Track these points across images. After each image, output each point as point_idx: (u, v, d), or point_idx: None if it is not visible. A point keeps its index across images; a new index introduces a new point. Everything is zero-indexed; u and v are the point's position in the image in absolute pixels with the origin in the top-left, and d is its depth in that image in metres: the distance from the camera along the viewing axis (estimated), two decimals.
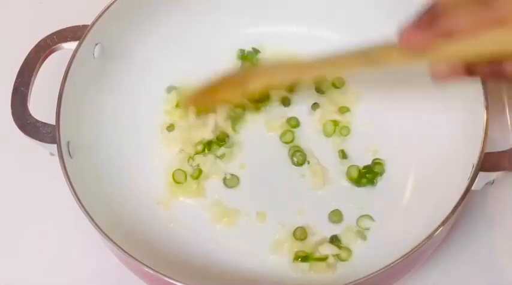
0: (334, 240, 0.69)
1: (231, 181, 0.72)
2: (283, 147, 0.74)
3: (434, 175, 0.69)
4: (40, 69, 0.68)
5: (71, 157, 0.65)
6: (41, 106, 0.68)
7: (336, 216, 0.70)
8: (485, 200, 0.72)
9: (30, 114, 0.66)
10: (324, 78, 0.76)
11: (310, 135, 0.74)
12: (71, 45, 0.69)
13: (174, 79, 0.77)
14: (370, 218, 0.69)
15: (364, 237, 0.69)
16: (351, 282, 0.57)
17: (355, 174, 0.72)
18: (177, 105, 0.76)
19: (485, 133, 0.62)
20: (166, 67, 0.78)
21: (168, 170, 0.73)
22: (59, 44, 0.69)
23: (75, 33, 0.69)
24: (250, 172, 0.73)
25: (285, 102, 0.76)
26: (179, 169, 0.72)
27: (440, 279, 0.69)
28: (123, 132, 0.74)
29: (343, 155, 0.73)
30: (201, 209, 0.71)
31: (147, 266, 0.58)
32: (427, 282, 0.69)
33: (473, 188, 0.61)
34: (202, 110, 0.73)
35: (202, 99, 0.73)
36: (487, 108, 0.63)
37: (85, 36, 0.68)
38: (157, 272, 0.58)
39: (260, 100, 0.75)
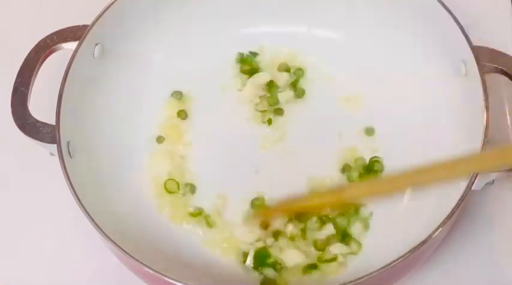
0: (344, 235, 0.69)
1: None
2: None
3: None
4: (40, 69, 0.68)
5: (71, 157, 0.65)
6: (41, 106, 0.68)
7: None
8: (485, 200, 0.72)
9: (30, 114, 0.66)
10: None
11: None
12: (71, 45, 0.69)
13: (174, 80, 0.77)
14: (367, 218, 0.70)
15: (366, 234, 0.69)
16: (350, 282, 0.57)
17: (355, 176, 0.72)
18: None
19: (485, 133, 0.62)
20: (166, 68, 0.78)
21: (168, 170, 0.73)
22: (59, 44, 0.69)
23: (75, 33, 0.69)
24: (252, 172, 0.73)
25: None
26: (171, 179, 0.72)
27: (440, 279, 0.69)
28: (123, 132, 0.74)
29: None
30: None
31: (147, 266, 0.58)
32: (427, 282, 0.69)
33: (473, 188, 0.61)
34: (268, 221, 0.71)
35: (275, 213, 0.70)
36: (487, 108, 0.63)
37: (85, 36, 0.68)
38: (157, 272, 0.58)
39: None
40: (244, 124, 0.76)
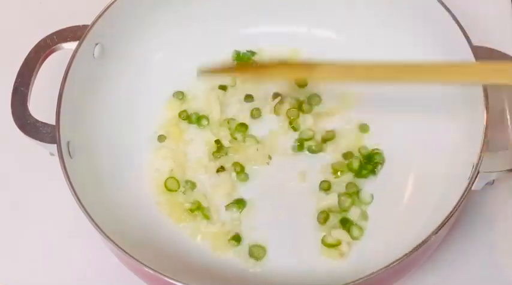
0: (345, 221, 0.69)
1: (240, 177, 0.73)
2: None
3: (434, 175, 0.69)
4: (40, 69, 0.68)
5: (71, 157, 0.65)
6: (41, 106, 0.68)
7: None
8: (485, 200, 0.72)
9: (30, 114, 0.66)
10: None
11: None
12: (71, 45, 0.69)
13: (174, 80, 0.77)
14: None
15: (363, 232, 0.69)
16: (350, 283, 0.57)
17: (356, 165, 0.72)
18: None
19: (485, 133, 0.62)
20: (166, 68, 0.78)
21: (169, 168, 0.73)
22: (59, 44, 0.69)
23: (75, 33, 0.69)
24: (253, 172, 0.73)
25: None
26: (171, 177, 0.72)
27: (440, 279, 0.69)
28: (123, 132, 0.74)
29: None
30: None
31: (147, 266, 0.58)
32: (427, 282, 0.69)
33: (473, 188, 0.61)
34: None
35: (222, 72, 0.72)
36: (487, 108, 0.63)
37: (85, 36, 0.68)
38: (157, 272, 0.58)
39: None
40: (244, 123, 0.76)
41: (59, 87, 0.66)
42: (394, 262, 0.58)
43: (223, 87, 0.77)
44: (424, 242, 0.58)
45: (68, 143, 0.65)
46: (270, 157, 0.73)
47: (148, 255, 0.62)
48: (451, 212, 0.59)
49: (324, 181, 0.71)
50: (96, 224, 0.60)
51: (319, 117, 0.75)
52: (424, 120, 0.73)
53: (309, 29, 0.80)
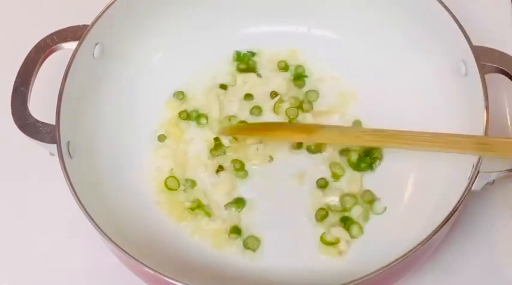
0: (345, 220, 0.69)
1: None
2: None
3: (434, 175, 0.69)
4: (40, 69, 0.68)
5: (71, 157, 0.65)
6: (41, 106, 0.68)
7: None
8: (485, 200, 0.72)
9: (30, 114, 0.66)
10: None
11: None
12: (71, 45, 0.69)
13: (174, 80, 0.78)
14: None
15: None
16: (350, 282, 0.57)
17: (355, 158, 0.72)
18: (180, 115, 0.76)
19: (485, 133, 0.62)
20: (166, 68, 0.78)
21: (169, 167, 0.73)
22: (59, 44, 0.69)
23: (75, 33, 0.69)
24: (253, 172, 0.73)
25: None
26: (171, 176, 0.73)
27: (440, 279, 0.69)
28: (123, 132, 0.74)
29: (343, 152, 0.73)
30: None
31: (147, 266, 0.58)
32: (427, 282, 0.69)
33: (473, 188, 0.61)
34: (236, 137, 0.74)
35: (240, 132, 0.74)
36: (487, 108, 0.63)
37: (85, 36, 0.68)
38: (157, 272, 0.58)
39: None
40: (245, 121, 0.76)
41: (59, 87, 0.66)
42: (394, 262, 0.58)
43: (223, 86, 0.77)
44: (424, 242, 0.58)
45: (68, 143, 0.65)
46: (271, 157, 0.73)
47: (148, 255, 0.62)
48: (451, 212, 0.59)
49: (321, 178, 0.72)
50: (96, 224, 0.60)
51: (318, 116, 0.75)
52: (424, 119, 0.73)
53: (309, 29, 0.80)
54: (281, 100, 0.76)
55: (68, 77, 0.66)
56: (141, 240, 0.68)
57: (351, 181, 0.71)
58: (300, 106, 0.76)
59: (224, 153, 0.73)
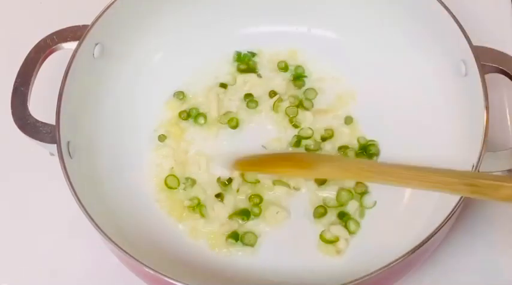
0: (342, 215, 0.70)
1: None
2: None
3: None
4: (40, 69, 0.68)
5: (71, 157, 0.65)
6: (41, 106, 0.68)
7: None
8: (485, 200, 0.72)
9: (30, 114, 0.66)
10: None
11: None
12: (71, 45, 0.69)
13: (174, 80, 0.78)
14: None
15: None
16: (350, 282, 0.57)
17: (352, 156, 0.72)
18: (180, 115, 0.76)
19: (485, 133, 0.62)
20: (166, 68, 0.78)
21: (169, 167, 0.73)
22: (59, 44, 0.69)
23: (75, 33, 0.69)
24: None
25: None
26: (171, 175, 0.73)
27: (440, 279, 0.69)
28: (123, 132, 0.74)
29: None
30: None
31: (147, 266, 0.58)
32: (427, 282, 0.69)
33: None
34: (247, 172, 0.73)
35: (251, 167, 0.73)
36: (487, 108, 0.63)
37: (85, 36, 0.68)
38: (157, 272, 0.58)
39: None
40: (245, 121, 0.76)
41: (59, 87, 0.66)
42: (394, 262, 0.58)
43: (223, 85, 0.77)
44: (424, 242, 0.58)
45: (68, 143, 0.65)
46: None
47: (148, 255, 0.62)
48: (451, 212, 0.59)
49: None
50: (96, 224, 0.60)
51: (318, 114, 0.75)
52: (424, 119, 0.73)
53: (309, 29, 0.80)
54: (280, 100, 0.76)
55: (68, 77, 0.66)
56: (141, 240, 0.68)
57: None
58: (299, 105, 0.76)
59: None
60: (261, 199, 0.71)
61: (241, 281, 0.67)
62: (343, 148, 0.73)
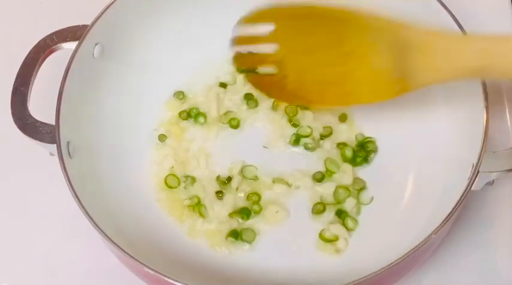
0: (341, 213, 0.70)
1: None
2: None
3: (434, 175, 0.69)
4: (40, 69, 0.68)
5: (71, 157, 0.65)
6: (41, 106, 0.68)
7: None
8: (485, 200, 0.72)
9: (30, 114, 0.66)
10: None
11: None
12: (71, 45, 0.69)
13: (174, 79, 0.78)
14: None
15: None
16: (350, 282, 0.57)
17: (350, 154, 0.72)
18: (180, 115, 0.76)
19: (485, 133, 0.62)
20: (166, 68, 0.78)
21: (170, 166, 0.73)
22: (58, 44, 0.69)
23: (75, 33, 0.69)
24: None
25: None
26: (171, 174, 0.73)
27: (440, 279, 0.69)
28: (122, 132, 0.74)
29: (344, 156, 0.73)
30: None
31: (147, 266, 0.58)
32: (426, 282, 0.69)
33: (473, 188, 0.61)
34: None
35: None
36: (487, 108, 0.63)
37: (85, 36, 0.68)
38: (157, 272, 0.58)
39: None
40: (245, 121, 0.76)
41: (59, 87, 0.66)
42: (393, 262, 0.58)
43: (223, 84, 0.78)
44: (423, 242, 0.58)
45: (68, 143, 0.65)
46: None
47: (149, 255, 0.62)
48: (451, 212, 0.59)
49: (317, 172, 0.72)
50: (96, 224, 0.60)
51: (318, 111, 0.75)
52: (424, 120, 0.73)
53: None
54: None
55: (68, 77, 0.66)
56: (141, 240, 0.68)
57: (343, 173, 0.72)
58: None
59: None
60: (259, 197, 0.71)
61: (241, 281, 0.67)
62: (341, 145, 0.73)
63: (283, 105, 0.76)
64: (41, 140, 0.65)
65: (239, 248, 0.69)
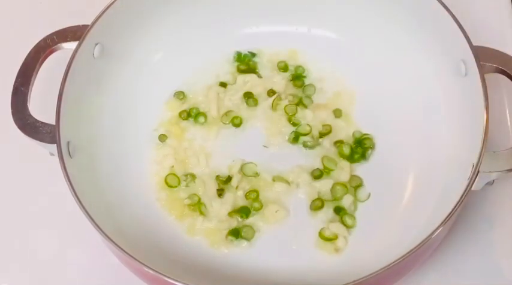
0: (338, 209, 0.70)
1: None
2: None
3: (434, 175, 0.69)
4: (40, 69, 0.68)
5: (71, 157, 0.65)
6: (41, 106, 0.68)
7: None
8: (485, 200, 0.72)
9: (30, 114, 0.66)
10: None
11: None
12: (71, 45, 0.69)
13: (174, 80, 0.78)
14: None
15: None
16: (350, 282, 0.57)
17: (347, 151, 0.72)
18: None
19: (485, 133, 0.62)
20: (166, 68, 0.78)
21: (170, 165, 0.73)
22: (59, 44, 0.69)
23: (75, 33, 0.69)
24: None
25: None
26: (171, 173, 0.73)
27: (440, 280, 0.69)
28: (123, 132, 0.74)
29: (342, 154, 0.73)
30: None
31: (147, 266, 0.58)
32: (427, 282, 0.69)
33: (473, 188, 0.61)
34: None
35: None
36: (487, 108, 0.63)
37: (85, 36, 0.68)
38: (157, 272, 0.58)
39: None
40: (245, 120, 0.76)
41: (59, 87, 0.66)
42: (394, 262, 0.58)
43: (223, 84, 0.78)
44: (423, 242, 0.58)
45: (68, 143, 0.65)
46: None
47: (149, 255, 0.62)
48: (451, 212, 0.59)
49: (316, 169, 0.72)
50: (96, 224, 0.60)
51: (317, 109, 0.75)
52: (424, 120, 0.73)
53: (309, 29, 0.80)
54: (279, 98, 0.76)
55: (68, 77, 0.66)
56: (141, 240, 0.68)
57: (341, 170, 0.72)
58: (299, 103, 0.76)
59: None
60: (257, 194, 0.71)
61: (241, 280, 0.67)
62: (338, 142, 0.73)
63: (282, 104, 0.76)
64: (41, 140, 0.65)
65: (239, 247, 0.69)
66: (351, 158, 0.72)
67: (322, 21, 0.79)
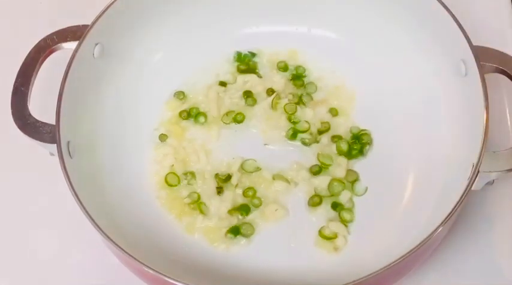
0: (336, 205, 0.70)
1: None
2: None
3: (434, 175, 0.69)
4: (40, 69, 0.68)
5: (71, 157, 0.65)
6: (41, 106, 0.68)
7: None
8: (485, 200, 0.72)
9: (30, 114, 0.66)
10: None
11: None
12: (71, 45, 0.69)
13: (174, 80, 0.78)
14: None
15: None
16: (350, 282, 0.57)
17: (345, 148, 0.72)
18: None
19: (485, 133, 0.62)
20: (166, 68, 0.78)
21: (170, 164, 0.73)
22: (59, 44, 0.69)
23: (75, 33, 0.69)
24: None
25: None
26: (171, 172, 0.73)
27: (440, 280, 0.69)
28: (123, 132, 0.74)
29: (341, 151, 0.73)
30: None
31: (147, 266, 0.58)
32: (427, 282, 0.69)
33: (473, 188, 0.61)
34: None
35: None
36: (487, 108, 0.63)
37: (85, 36, 0.68)
38: (157, 272, 0.58)
39: None
40: (245, 120, 0.76)
41: (59, 87, 0.66)
42: (394, 262, 0.58)
43: (223, 83, 0.78)
44: (423, 242, 0.58)
45: (68, 143, 0.65)
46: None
47: (149, 255, 0.62)
48: (451, 212, 0.59)
49: (314, 165, 0.72)
50: (96, 224, 0.60)
51: (317, 106, 0.75)
52: (424, 119, 0.73)
53: (309, 29, 0.80)
54: (279, 97, 0.76)
55: (68, 77, 0.66)
56: (141, 239, 0.68)
57: (338, 166, 0.72)
58: (299, 102, 0.76)
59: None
60: (255, 191, 0.71)
61: (241, 279, 0.67)
62: (335, 138, 0.73)
63: (282, 103, 0.76)
64: (41, 140, 0.65)
65: (238, 245, 0.69)
66: (349, 154, 0.72)
67: (322, 21, 0.79)
